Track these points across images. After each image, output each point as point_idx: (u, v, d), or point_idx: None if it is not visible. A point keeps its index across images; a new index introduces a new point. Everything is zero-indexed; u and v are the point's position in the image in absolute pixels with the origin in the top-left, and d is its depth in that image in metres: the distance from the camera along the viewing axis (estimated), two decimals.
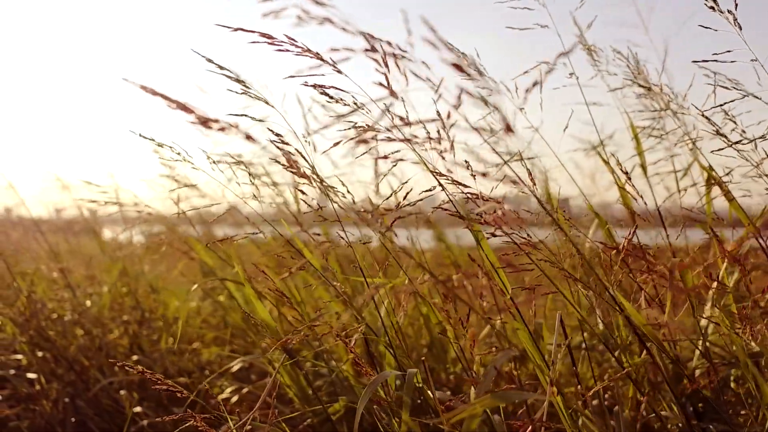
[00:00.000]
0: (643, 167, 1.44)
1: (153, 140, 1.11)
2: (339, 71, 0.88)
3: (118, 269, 2.48)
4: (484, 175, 0.87)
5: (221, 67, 0.90)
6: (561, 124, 1.24)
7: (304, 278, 2.00)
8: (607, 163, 1.28)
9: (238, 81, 0.94)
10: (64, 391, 2.05)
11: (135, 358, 2.35)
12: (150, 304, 2.72)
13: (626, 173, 1.10)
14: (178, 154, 1.13)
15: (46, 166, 3.44)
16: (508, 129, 0.80)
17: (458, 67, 0.82)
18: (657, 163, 1.40)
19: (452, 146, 0.87)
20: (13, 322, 2.08)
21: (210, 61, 0.89)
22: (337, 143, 0.91)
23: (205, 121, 0.77)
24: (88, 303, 2.59)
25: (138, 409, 2.12)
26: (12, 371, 1.99)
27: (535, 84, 0.93)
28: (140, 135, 1.10)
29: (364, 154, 0.88)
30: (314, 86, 0.91)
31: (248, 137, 0.79)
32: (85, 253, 3.85)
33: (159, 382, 1.09)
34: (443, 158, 0.87)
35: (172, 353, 2.49)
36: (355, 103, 0.92)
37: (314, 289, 1.85)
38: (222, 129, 0.78)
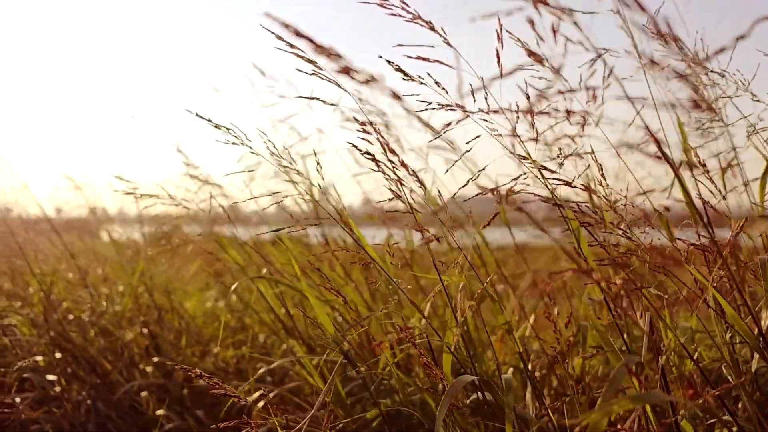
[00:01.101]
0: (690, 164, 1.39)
1: (210, 121, 1.07)
2: (449, 44, 0.84)
3: (139, 270, 2.44)
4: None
5: (291, 45, 0.85)
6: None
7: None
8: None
9: (310, 61, 0.89)
10: (85, 393, 2.01)
11: (156, 359, 2.31)
12: (166, 304, 2.69)
13: (704, 166, 1.05)
14: (237, 137, 1.09)
15: (57, 166, 3.40)
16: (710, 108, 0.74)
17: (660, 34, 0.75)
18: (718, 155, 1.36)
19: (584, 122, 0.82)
20: (33, 323, 2.05)
21: (280, 38, 0.84)
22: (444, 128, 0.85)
23: (347, 71, 0.72)
24: (104, 304, 2.55)
25: (161, 411, 2.09)
26: (34, 374, 1.95)
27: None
28: (196, 114, 1.07)
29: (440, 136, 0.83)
30: (418, 58, 0.86)
31: (394, 95, 0.74)
32: (97, 252, 3.82)
33: (217, 386, 1.05)
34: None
35: (192, 355, 2.45)
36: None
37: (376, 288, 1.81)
38: (366, 81, 0.72)
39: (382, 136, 0.97)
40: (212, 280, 3.53)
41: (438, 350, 1.44)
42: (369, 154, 0.97)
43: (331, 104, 1.03)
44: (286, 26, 0.68)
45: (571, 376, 1.18)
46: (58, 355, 2.12)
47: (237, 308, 2.92)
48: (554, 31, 0.73)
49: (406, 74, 0.96)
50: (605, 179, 0.97)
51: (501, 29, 0.84)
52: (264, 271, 1.96)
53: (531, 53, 0.80)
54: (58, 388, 2.04)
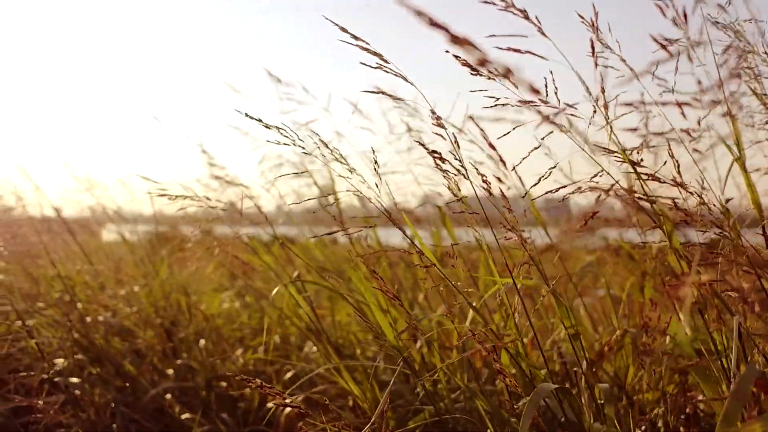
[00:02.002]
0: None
1: (260, 121, 1.04)
2: (543, 33, 0.81)
3: (162, 271, 2.40)
4: None
5: (355, 37, 0.82)
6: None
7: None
8: None
9: (375, 54, 0.86)
10: (110, 396, 1.98)
11: (179, 362, 2.27)
12: (184, 305, 2.65)
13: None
14: (287, 137, 1.06)
15: (71, 167, 3.35)
16: None
17: None
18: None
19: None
20: (57, 324, 2.01)
21: (344, 30, 0.81)
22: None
23: (484, 62, 0.68)
24: (121, 305, 2.52)
25: (187, 415, 2.05)
26: (59, 376, 1.91)
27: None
28: (246, 115, 1.03)
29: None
30: (509, 49, 0.82)
31: (533, 89, 0.70)
32: (109, 252, 3.78)
33: (277, 395, 1.01)
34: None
35: (211, 356, 2.42)
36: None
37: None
38: (503, 75, 0.69)
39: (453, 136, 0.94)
40: (227, 280, 3.50)
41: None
42: (436, 152, 0.93)
43: (398, 98, 0.99)
44: (420, 14, 0.64)
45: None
46: (80, 356, 2.08)
47: (254, 309, 2.89)
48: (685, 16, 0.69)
49: (473, 69, 0.92)
50: (681, 175, 0.94)
51: (596, 17, 0.80)
52: (296, 273, 1.92)
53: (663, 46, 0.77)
54: (77, 392, 2.00)
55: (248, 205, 1.97)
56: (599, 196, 0.81)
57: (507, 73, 0.68)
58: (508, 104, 0.94)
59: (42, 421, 1.61)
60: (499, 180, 1.31)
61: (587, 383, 1.11)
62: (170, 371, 2.32)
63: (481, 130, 1.36)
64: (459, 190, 0.98)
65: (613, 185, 0.82)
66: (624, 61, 0.96)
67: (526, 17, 0.84)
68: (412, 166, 1.90)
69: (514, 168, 0.97)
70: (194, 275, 3.23)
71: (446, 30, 0.65)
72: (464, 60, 0.93)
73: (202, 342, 2.43)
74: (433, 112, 0.94)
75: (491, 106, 0.94)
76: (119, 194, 4.19)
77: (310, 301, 1.98)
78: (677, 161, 0.96)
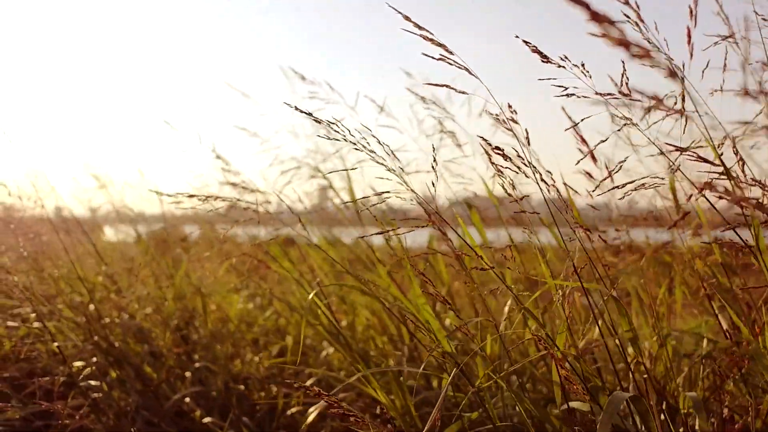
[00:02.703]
0: None
1: (310, 115, 1.01)
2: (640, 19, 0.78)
3: (181, 273, 2.37)
4: None
5: (419, 26, 0.79)
6: None
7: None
8: None
9: (440, 44, 0.83)
10: (131, 399, 1.94)
11: (197, 365, 2.23)
12: (199, 307, 2.61)
13: None
14: (338, 132, 1.02)
15: (85, 167, 3.32)
16: None
17: None
18: None
19: None
20: (77, 327, 1.98)
21: (407, 18, 0.78)
22: None
23: (625, 44, 0.65)
24: (136, 306, 2.48)
25: (208, 419, 2.01)
26: (79, 379, 1.88)
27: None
28: (296, 108, 1.00)
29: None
30: (620, 42, 0.78)
31: (671, 72, 0.67)
32: (120, 251, 3.75)
33: (335, 405, 0.97)
34: None
35: (229, 359, 2.38)
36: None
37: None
38: (642, 56, 0.65)
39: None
40: (239, 280, 3.46)
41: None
42: (499, 149, 0.90)
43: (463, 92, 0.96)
44: None
45: None
46: (97, 359, 2.05)
47: (270, 310, 2.85)
48: None
49: (544, 56, 0.89)
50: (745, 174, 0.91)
51: (696, 4, 0.77)
52: (313, 281, 1.87)
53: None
54: (98, 394, 1.97)
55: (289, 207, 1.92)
56: (691, 195, 0.78)
57: (646, 54, 0.65)
58: (574, 95, 0.92)
59: (67, 426, 1.57)
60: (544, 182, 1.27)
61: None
62: (187, 374, 2.29)
63: (526, 132, 1.34)
64: (514, 188, 0.95)
65: (710, 181, 0.79)
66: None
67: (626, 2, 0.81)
68: (439, 165, 1.86)
69: (609, 174, 0.94)
70: (207, 276, 3.19)
71: (587, 6, 0.62)
72: (534, 47, 0.90)
73: (218, 346, 2.39)
74: (510, 106, 0.91)
75: (561, 95, 0.92)
76: (128, 194, 4.15)
77: (330, 306, 1.94)
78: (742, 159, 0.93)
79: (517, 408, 1.35)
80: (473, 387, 1.08)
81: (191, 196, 1.46)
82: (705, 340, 1.60)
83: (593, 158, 1.10)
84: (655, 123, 0.93)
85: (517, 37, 0.93)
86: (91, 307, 2.18)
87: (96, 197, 3.42)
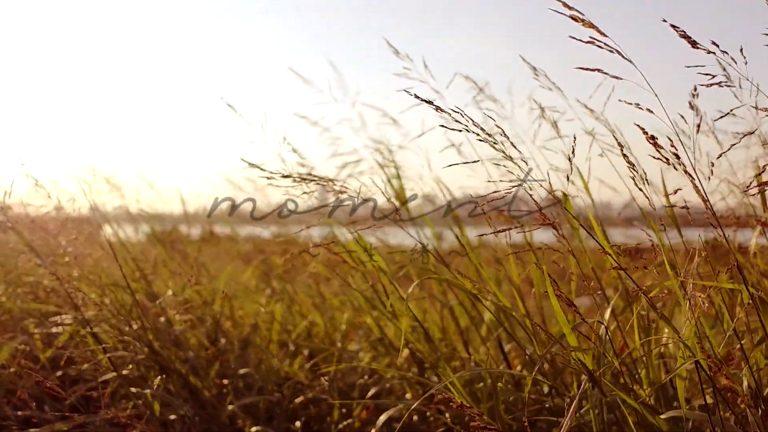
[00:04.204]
0: None
1: (431, 103, 0.95)
2: None
3: (225, 276, 2.29)
4: None
5: (568, 6, 0.73)
6: None
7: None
8: None
9: (592, 26, 0.77)
10: (182, 412, 1.85)
11: (243, 371, 2.16)
12: (227, 311, 2.52)
13: None
14: (457, 122, 0.96)
15: (101, 168, 3.22)
16: None
17: None
18: None
19: None
20: (123, 334, 1.90)
21: None
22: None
23: None
24: (172, 312, 2.40)
25: (255, 429, 1.94)
26: (128, 387, 1.80)
27: None
28: (407, 91, 0.94)
29: None
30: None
31: None
32: (143, 252, 3.66)
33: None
34: None
35: (269, 366, 2.30)
36: None
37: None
38: None
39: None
40: (260, 280, 3.36)
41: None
42: (654, 137, 0.85)
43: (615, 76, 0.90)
44: None
45: None
46: (141, 367, 1.97)
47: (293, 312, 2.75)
48: None
49: (694, 43, 0.84)
50: None
51: None
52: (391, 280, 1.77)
53: None
54: (135, 402, 1.88)
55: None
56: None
57: None
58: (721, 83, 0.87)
59: None
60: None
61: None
62: (225, 381, 2.21)
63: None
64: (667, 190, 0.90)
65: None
66: None
67: None
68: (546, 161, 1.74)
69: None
70: (231, 277, 3.10)
71: None
72: (682, 31, 0.86)
73: (270, 351, 2.30)
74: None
75: (706, 85, 0.87)
76: (146, 194, 4.06)
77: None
78: None
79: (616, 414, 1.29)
80: (602, 392, 1.02)
81: (285, 176, 1.39)
82: None
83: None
84: None
85: (664, 21, 0.89)
86: (133, 312, 2.09)
87: (109, 197, 3.33)
